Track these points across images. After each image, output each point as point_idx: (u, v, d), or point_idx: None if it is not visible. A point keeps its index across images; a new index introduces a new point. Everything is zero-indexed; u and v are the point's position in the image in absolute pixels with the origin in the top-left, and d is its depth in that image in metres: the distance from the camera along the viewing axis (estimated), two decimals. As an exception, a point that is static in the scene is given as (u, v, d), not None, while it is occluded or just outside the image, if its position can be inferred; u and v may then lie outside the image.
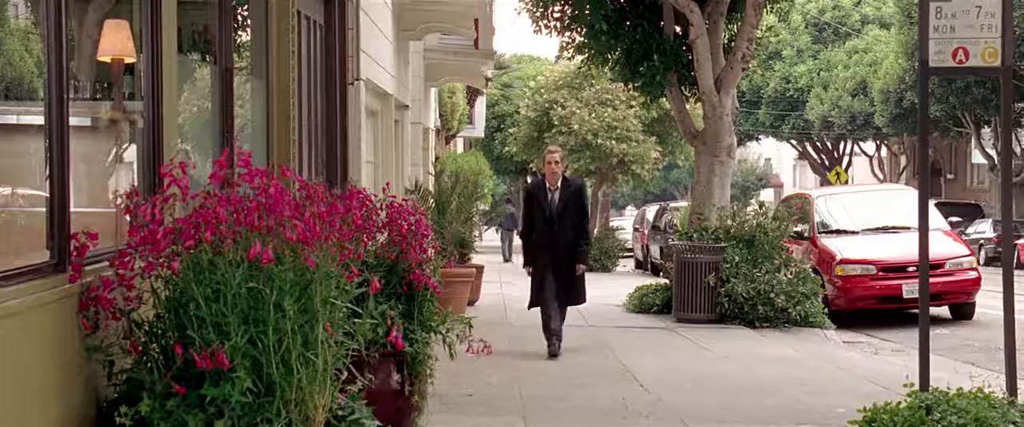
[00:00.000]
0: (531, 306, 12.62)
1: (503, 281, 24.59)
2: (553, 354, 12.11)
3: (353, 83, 10.57)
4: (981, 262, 34.02)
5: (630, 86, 18.89)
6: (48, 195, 3.91)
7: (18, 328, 3.46)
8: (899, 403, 6.36)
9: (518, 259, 37.28)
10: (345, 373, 3.96)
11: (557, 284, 12.20)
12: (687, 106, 18.80)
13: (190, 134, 6.48)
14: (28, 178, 4.09)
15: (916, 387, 6.92)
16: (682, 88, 18.53)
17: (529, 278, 12.70)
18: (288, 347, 3.71)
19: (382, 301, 5.35)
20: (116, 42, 5.15)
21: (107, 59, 5.17)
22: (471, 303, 17.26)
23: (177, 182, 3.98)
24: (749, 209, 17.47)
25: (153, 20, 4.85)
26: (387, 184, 7.84)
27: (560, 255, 12.17)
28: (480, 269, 18.49)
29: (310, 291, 3.80)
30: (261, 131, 7.74)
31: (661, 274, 18.26)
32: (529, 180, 55.16)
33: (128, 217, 4.05)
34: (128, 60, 5.22)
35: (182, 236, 3.78)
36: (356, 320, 4.00)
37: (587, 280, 12.77)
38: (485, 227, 24.12)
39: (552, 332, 12.28)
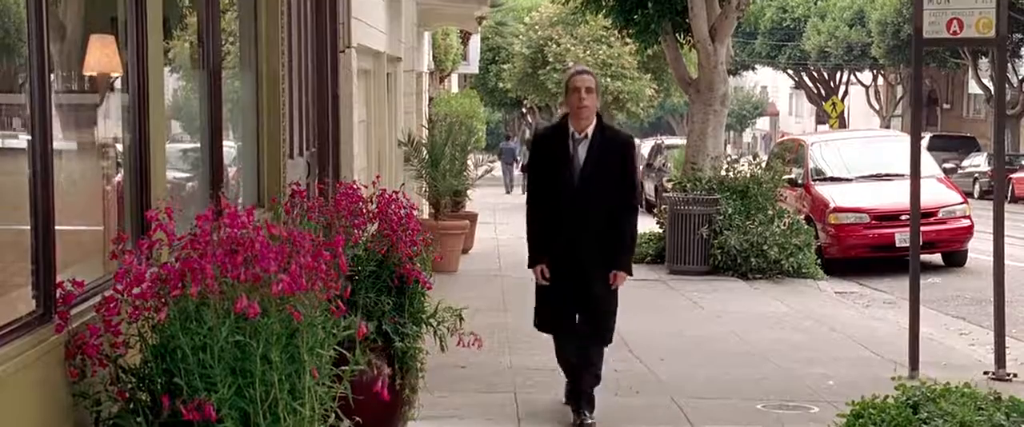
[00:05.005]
0: (539, 326, 8.04)
1: (498, 222, 24.62)
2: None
3: (344, 51, 10.51)
4: (975, 196, 34.16)
5: (624, 33, 18.79)
6: (32, 241, 3.90)
7: (5, 392, 3.48)
8: (886, 398, 6.40)
9: (516, 191, 38.15)
10: (333, 415, 4.00)
11: (583, 298, 7.67)
12: (682, 53, 18.73)
13: (177, 141, 6.46)
14: (10, 221, 4.08)
15: (904, 380, 6.97)
16: (677, 35, 18.44)
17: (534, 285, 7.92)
18: (275, 397, 3.75)
19: (371, 318, 5.39)
20: (102, 58, 5.11)
21: (94, 73, 5.14)
22: (465, 251, 17.31)
23: (163, 227, 3.98)
24: (742, 159, 17.53)
25: (140, 48, 4.81)
26: (377, 177, 7.81)
27: (589, 250, 7.55)
28: (474, 218, 18.52)
29: (297, 340, 3.82)
30: (251, 114, 7.70)
31: (654, 214, 18.36)
32: (528, 116, 54.80)
33: (114, 260, 4.05)
34: (114, 74, 5.19)
35: (168, 284, 3.79)
36: (343, 367, 4.03)
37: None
38: (489, 160, 24.29)
39: (579, 389, 7.85)
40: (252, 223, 3.97)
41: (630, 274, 7.79)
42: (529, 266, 7.82)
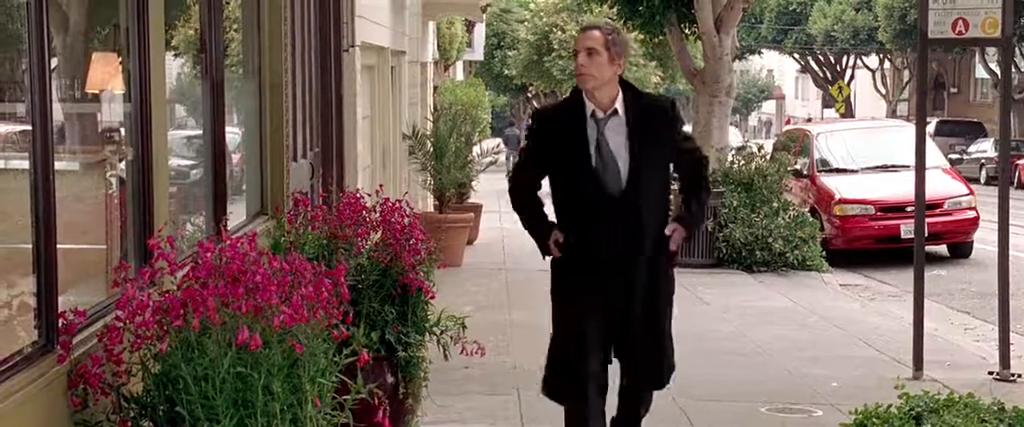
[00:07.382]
0: (552, 392, 5.92)
1: (502, 210, 24.59)
2: None
3: (348, 50, 10.49)
4: (982, 181, 34.12)
5: (628, 24, 18.74)
6: (34, 269, 3.90)
7: (7, 425, 3.49)
8: (889, 406, 6.41)
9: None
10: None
11: (626, 335, 5.67)
12: (687, 44, 18.69)
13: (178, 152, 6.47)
14: (12, 251, 4.09)
15: (907, 384, 6.99)
16: (682, 26, 18.40)
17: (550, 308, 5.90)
18: (276, 427, 3.77)
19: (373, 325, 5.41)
20: (104, 76, 5.11)
21: (96, 91, 5.14)
22: (470, 242, 17.32)
23: (165, 256, 3.99)
24: (745, 148, 17.53)
25: (141, 67, 4.80)
26: (380, 186, 7.82)
27: (629, 270, 5.53)
28: (478, 209, 18.53)
29: (298, 369, 3.84)
30: (254, 120, 7.70)
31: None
32: (533, 101, 55.08)
33: (116, 289, 4.07)
34: (117, 91, 5.19)
35: (170, 314, 3.80)
36: (345, 396, 4.04)
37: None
38: (495, 151, 24.40)
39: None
40: (254, 250, 3.97)
41: (688, 237, 5.72)
42: (544, 252, 5.75)
